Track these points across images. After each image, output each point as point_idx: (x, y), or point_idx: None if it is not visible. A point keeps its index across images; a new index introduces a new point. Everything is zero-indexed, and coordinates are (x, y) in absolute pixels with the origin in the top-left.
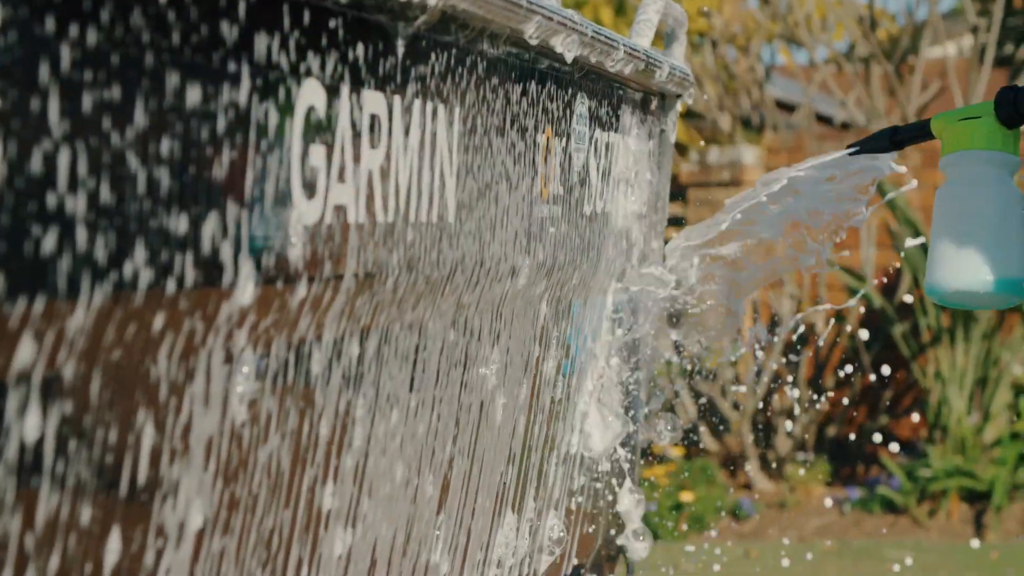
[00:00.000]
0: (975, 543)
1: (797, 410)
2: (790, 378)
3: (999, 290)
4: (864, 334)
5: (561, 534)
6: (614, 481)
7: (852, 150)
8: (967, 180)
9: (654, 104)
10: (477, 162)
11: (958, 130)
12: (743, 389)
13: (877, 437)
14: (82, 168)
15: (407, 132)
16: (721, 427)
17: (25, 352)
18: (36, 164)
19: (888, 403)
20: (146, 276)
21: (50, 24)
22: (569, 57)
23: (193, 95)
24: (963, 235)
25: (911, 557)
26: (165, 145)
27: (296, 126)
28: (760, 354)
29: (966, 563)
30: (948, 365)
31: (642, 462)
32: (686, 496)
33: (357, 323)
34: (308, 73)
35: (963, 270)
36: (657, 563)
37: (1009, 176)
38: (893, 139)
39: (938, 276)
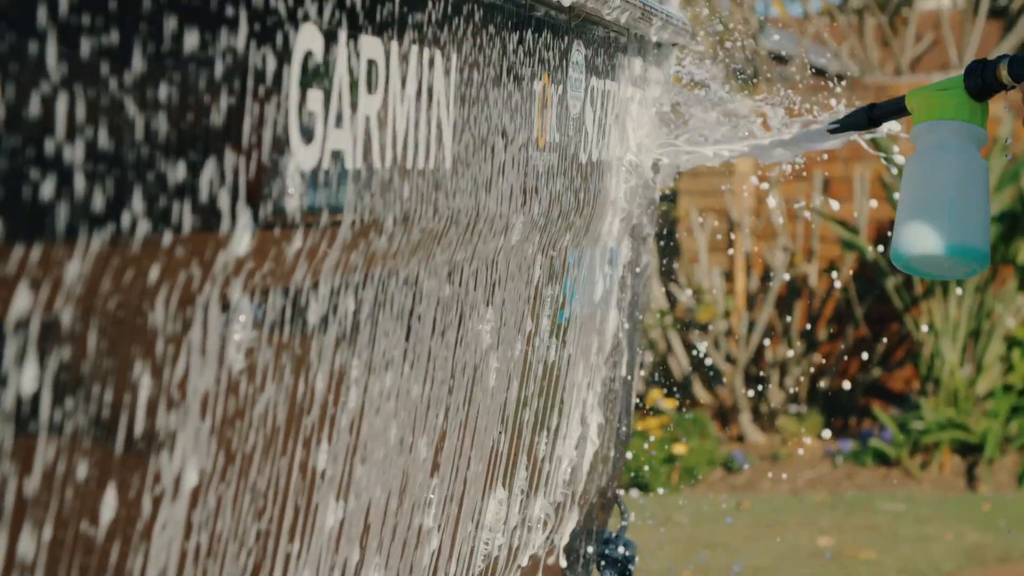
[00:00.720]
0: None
1: (790, 362)
2: (783, 330)
3: (957, 256)
4: (857, 287)
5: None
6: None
7: (833, 126)
8: (934, 149)
9: (651, 53)
10: (474, 109)
11: (928, 101)
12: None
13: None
14: (77, 114)
15: (404, 79)
16: (714, 379)
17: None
18: (32, 109)
19: (881, 356)
20: (142, 223)
21: None
22: (567, 2)
23: (190, 41)
24: (927, 202)
25: (903, 509)
26: (162, 91)
27: (294, 72)
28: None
29: (958, 515)
30: (941, 317)
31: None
32: (678, 448)
33: (353, 273)
34: (306, 18)
35: (925, 236)
36: (649, 515)
37: (975, 148)
38: (871, 115)
39: (902, 241)
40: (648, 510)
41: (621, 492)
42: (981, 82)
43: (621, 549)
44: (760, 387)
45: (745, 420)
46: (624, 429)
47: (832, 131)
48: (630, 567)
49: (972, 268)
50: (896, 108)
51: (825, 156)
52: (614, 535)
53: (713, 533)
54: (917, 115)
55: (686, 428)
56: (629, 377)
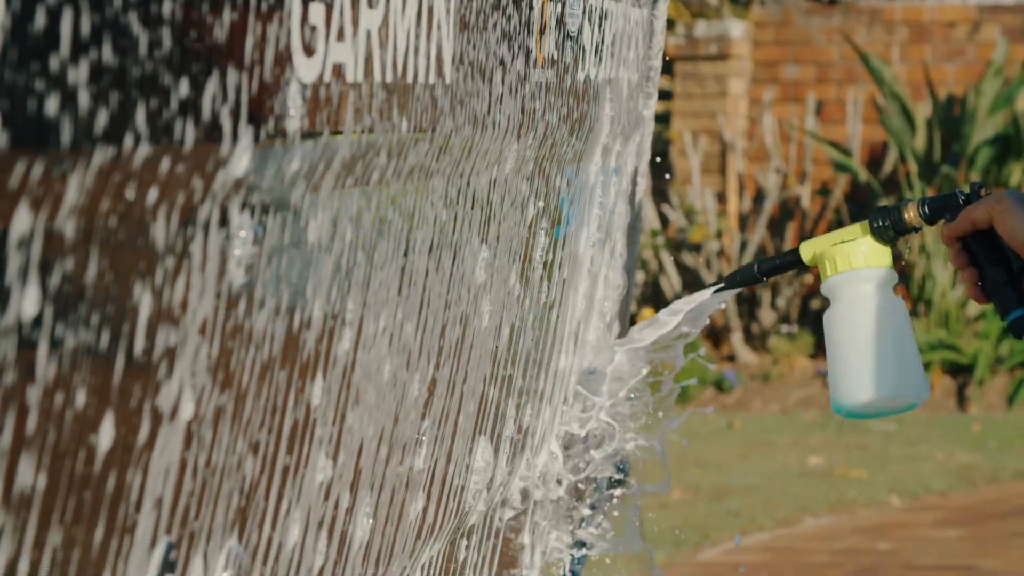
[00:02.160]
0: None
1: (781, 283)
2: (775, 251)
3: (898, 397)
4: (849, 208)
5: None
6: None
7: (718, 287)
8: (856, 299)
9: None
10: (473, 24)
11: (837, 253)
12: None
13: None
14: (83, 27)
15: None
16: None
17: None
18: (35, 22)
19: None
20: (143, 137)
21: None
22: None
23: None
24: (857, 354)
25: (894, 429)
26: (166, 6)
27: None
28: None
29: (948, 435)
30: (933, 239)
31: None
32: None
33: (354, 188)
34: None
35: (863, 386)
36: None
37: (891, 289)
38: (760, 270)
39: (841, 395)
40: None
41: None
42: (890, 228)
43: (616, 464)
44: (751, 307)
45: (736, 340)
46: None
47: (718, 291)
48: (624, 480)
49: (914, 403)
50: (789, 261)
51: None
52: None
53: (704, 452)
54: (825, 268)
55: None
56: (626, 296)
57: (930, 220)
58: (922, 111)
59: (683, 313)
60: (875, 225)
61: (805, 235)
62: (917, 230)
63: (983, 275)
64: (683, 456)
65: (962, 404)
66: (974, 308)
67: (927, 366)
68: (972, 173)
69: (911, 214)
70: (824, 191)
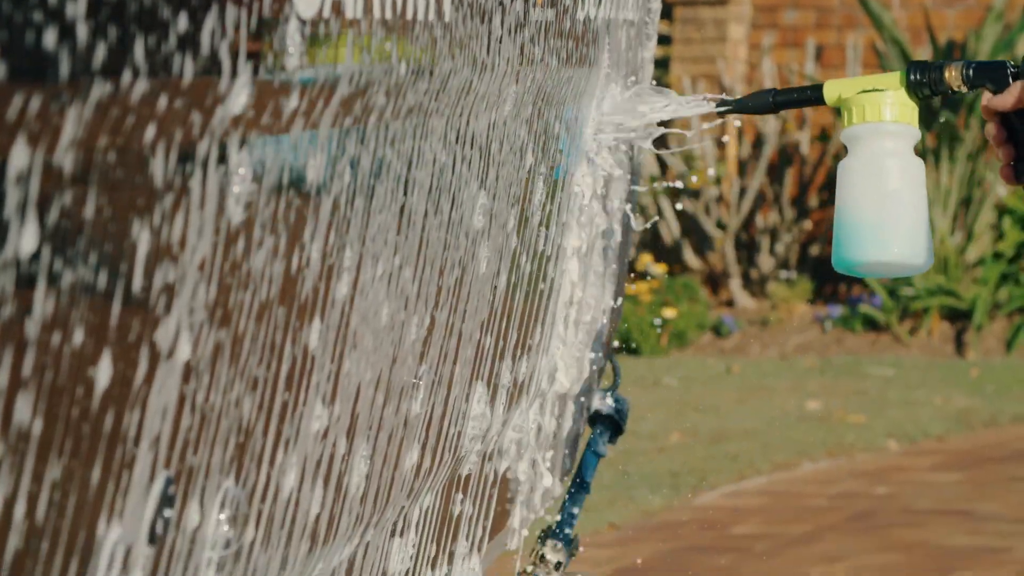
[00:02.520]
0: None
1: (780, 229)
2: (774, 197)
3: (906, 260)
4: None
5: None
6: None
7: (725, 108)
8: (877, 153)
9: None
10: None
11: (865, 101)
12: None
13: None
14: None
15: None
16: (704, 245)
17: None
18: None
19: None
20: (141, 73)
21: None
22: None
23: None
24: (872, 209)
25: (892, 374)
26: None
27: None
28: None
29: (946, 380)
30: (932, 185)
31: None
32: (668, 312)
33: (354, 124)
34: None
35: (873, 243)
36: (639, 378)
37: (912, 148)
38: (776, 100)
39: (848, 248)
40: (637, 373)
41: (614, 351)
42: (927, 85)
43: (613, 406)
44: (750, 253)
45: (735, 285)
46: (618, 288)
47: (725, 112)
48: (622, 424)
49: (920, 268)
50: (808, 97)
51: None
52: (606, 393)
53: (702, 396)
54: (852, 115)
55: (676, 292)
56: (624, 239)
57: (972, 84)
58: (922, 55)
59: (676, 105)
60: (912, 79)
61: (804, 181)
62: (954, 93)
63: (1020, 154)
64: (682, 400)
65: (960, 349)
66: (973, 254)
67: (925, 311)
68: (972, 119)
69: (952, 74)
70: (823, 137)
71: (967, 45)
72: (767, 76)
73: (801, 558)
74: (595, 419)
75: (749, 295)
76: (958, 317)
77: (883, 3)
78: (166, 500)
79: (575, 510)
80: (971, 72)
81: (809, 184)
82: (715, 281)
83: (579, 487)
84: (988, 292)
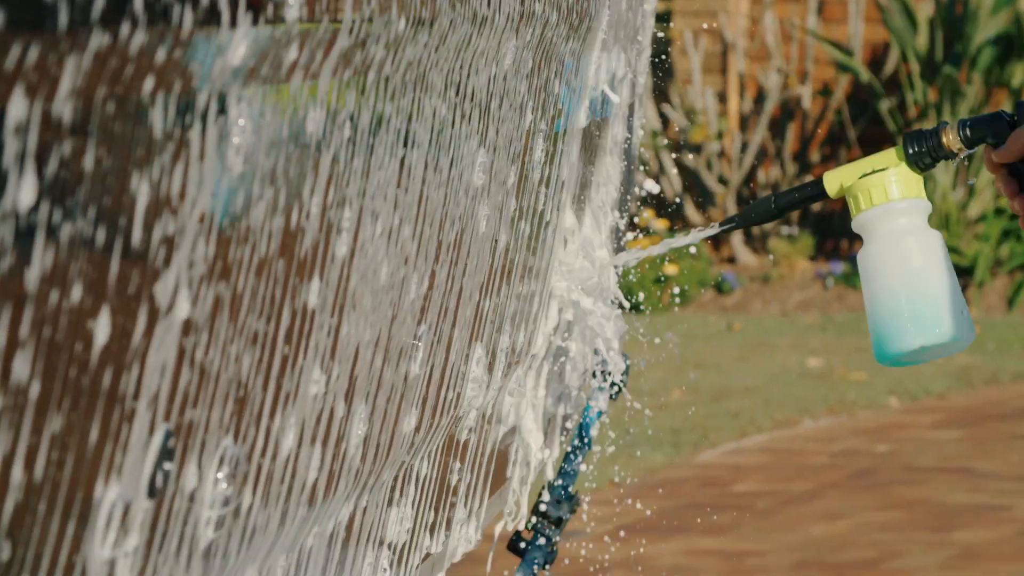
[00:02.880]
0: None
1: (782, 184)
2: (775, 152)
3: (947, 341)
4: (850, 109)
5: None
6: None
7: (729, 225)
8: (892, 236)
9: None
10: None
11: (869, 185)
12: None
13: None
14: None
15: None
16: (706, 201)
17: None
18: None
19: None
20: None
21: None
22: None
23: None
24: (900, 295)
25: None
26: None
27: None
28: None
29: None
30: None
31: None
32: (670, 269)
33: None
34: None
35: (908, 331)
36: (640, 336)
37: (926, 222)
38: (778, 205)
39: (885, 342)
40: (638, 330)
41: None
42: (927, 154)
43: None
44: None
45: (737, 242)
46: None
47: (731, 229)
48: (623, 377)
49: (965, 342)
50: (809, 195)
51: None
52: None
53: (704, 354)
54: (856, 202)
55: (677, 249)
56: (624, 192)
57: (971, 144)
58: (924, 10)
59: (700, 236)
60: (909, 151)
61: (806, 136)
62: (954, 156)
63: None
64: (683, 357)
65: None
66: (974, 210)
67: None
68: (974, 74)
69: (950, 138)
70: (825, 91)
71: (969, 0)
72: (769, 31)
73: (802, 515)
74: (596, 376)
75: (751, 251)
76: (960, 274)
77: None
78: (166, 453)
79: (575, 467)
80: (968, 131)
81: (811, 139)
82: (716, 237)
83: (579, 444)
84: (990, 248)
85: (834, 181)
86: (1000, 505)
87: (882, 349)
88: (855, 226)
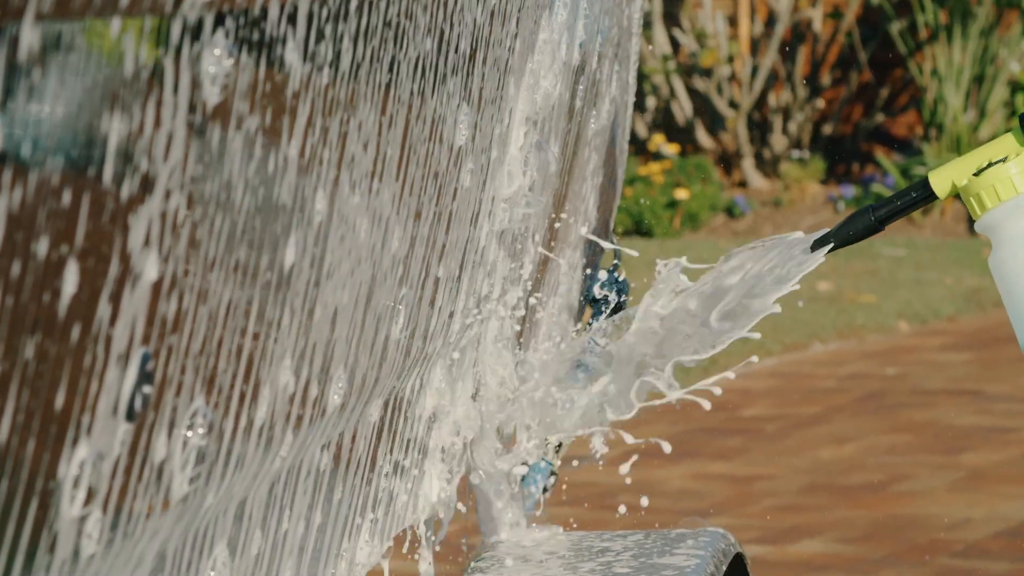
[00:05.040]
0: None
1: (793, 108)
2: (786, 75)
3: None
4: (860, 31)
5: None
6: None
7: (828, 247)
8: None
9: None
10: None
11: (992, 181)
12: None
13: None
14: None
15: None
16: (717, 125)
17: None
18: None
19: (884, 101)
20: None
21: None
22: None
23: None
24: None
25: (904, 254)
26: None
27: None
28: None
29: (958, 260)
30: (945, 62)
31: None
32: (681, 193)
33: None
34: None
35: None
36: (651, 261)
37: None
38: (878, 217)
39: None
40: (650, 255)
41: (613, 231)
42: None
43: (613, 288)
44: (763, 133)
45: (747, 165)
46: (618, 168)
47: (830, 251)
48: (623, 300)
49: None
50: (913, 200)
51: None
52: (606, 273)
53: None
54: (978, 202)
55: (688, 173)
56: (623, 116)
57: None
58: None
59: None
60: None
61: (817, 59)
62: None
63: None
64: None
65: (972, 229)
66: (985, 132)
67: None
68: None
69: None
70: (836, 14)
71: None
72: None
73: (810, 439)
74: (595, 300)
75: (762, 175)
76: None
77: None
78: (145, 377)
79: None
80: None
81: (822, 62)
82: (728, 161)
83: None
84: None
85: (943, 180)
86: (1008, 427)
87: None
88: (980, 228)
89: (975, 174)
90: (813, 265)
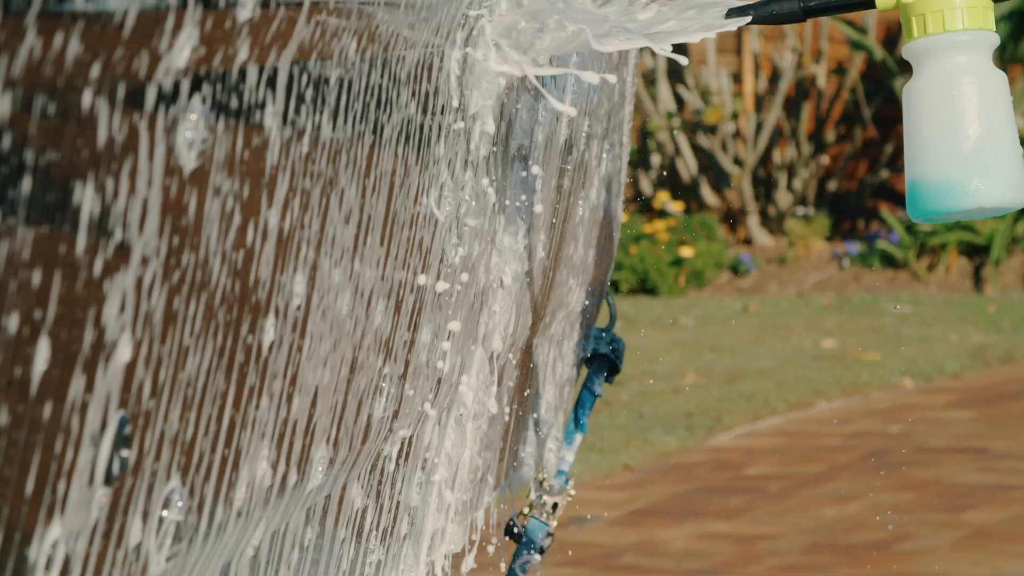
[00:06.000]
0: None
1: (797, 164)
2: (791, 132)
3: (1005, 202)
4: (865, 87)
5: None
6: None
7: (739, 18)
8: (951, 73)
9: None
10: None
11: (927, 7)
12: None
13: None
14: None
15: None
16: (721, 182)
17: None
18: None
19: (889, 157)
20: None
21: None
22: None
23: None
24: (957, 144)
25: (909, 311)
26: None
27: None
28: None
29: (963, 316)
30: None
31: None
32: (686, 251)
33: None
34: None
35: (966, 187)
36: (656, 319)
37: (990, 58)
38: (804, 5)
39: (930, 197)
40: (655, 314)
41: (609, 290)
42: None
43: (609, 345)
44: (768, 189)
45: (753, 223)
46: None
47: (747, 23)
48: (618, 363)
49: (1014, 208)
50: (849, 1)
51: None
52: (602, 331)
53: (719, 336)
54: (910, 25)
55: (693, 231)
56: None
57: None
58: None
59: (676, 21)
60: None
61: (821, 115)
62: None
63: None
64: (697, 340)
65: (978, 285)
66: None
67: (943, 247)
68: None
69: None
70: (840, 70)
71: None
72: None
73: (814, 498)
74: (591, 359)
75: (767, 232)
76: (976, 252)
77: None
78: (122, 440)
79: (569, 449)
80: None
81: (826, 119)
82: (733, 218)
83: (574, 426)
84: (1006, 226)
85: None
86: (1013, 485)
87: (924, 204)
88: (906, 52)
89: None
90: (720, 30)
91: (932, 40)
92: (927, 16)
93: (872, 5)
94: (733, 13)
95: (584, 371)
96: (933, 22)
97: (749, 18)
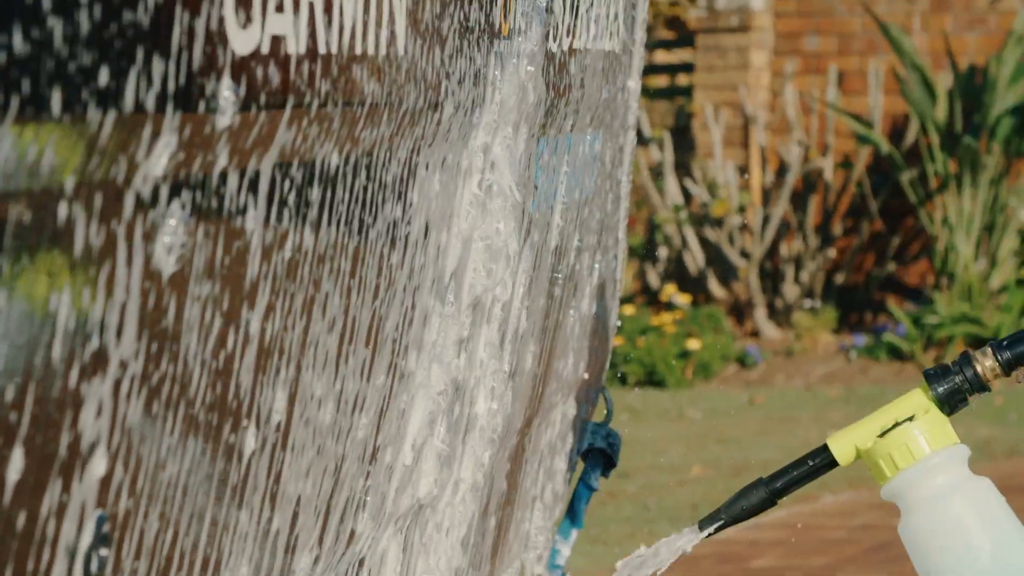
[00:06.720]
0: None
1: (804, 257)
2: (798, 224)
3: None
4: (871, 181)
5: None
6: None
7: (714, 526)
8: (934, 500)
9: None
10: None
11: (892, 446)
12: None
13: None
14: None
15: None
16: (729, 275)
17: None
18: None
19: (895, 250)
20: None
21: None
22: None
23: None
24: (983, 553)
25: None
26: None
27: None
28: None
29: (969, 409)
30: (955, 211)
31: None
32: (693, 344)
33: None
34: None
35: None
36: (663, 411)
37: (967, 469)
38: (771, 489)
39: None
40: (661, 406)
41: (605, 384)
42: (959, 392)
43: (605, 440)
44: (775, 282)
45: (760, 315)
46: (610, 320)
47: (714, 532)
48: (614, 457)
49: None
50: (811, 469)
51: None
52: (598, 426)
53: (725, 428)
54: (879, 468)
55: (700, 323)
56: (615, 267)
57: (1011, 368)
58: (943, 82)
59: (667, 555)
60: (939, 391)
61: (828, 208)
62: (989, 389)
63: None
64: (704, 432)
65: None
66: (997, 281)
67: (950, 340)
68: (994, 144)
69: (986, 366)
70: (846, 163)
71: (988, 70)
72: (789, 104)
73: None
74: (588, 453)
75: (774, 325)
76: (983, 345)
77: (904, 28)
78: (100, 539)
79: (565, 543)
80: (1007, 355)
81: (833, 212)
82: (740, 311)
83: (570, 520)
84: (1012, 319)
85: (845, 445)
86: None
87: None
88: (885, 494)
89: (880, 435)
90: (696, 541)
91: (907, 474)
92: (892, 453)
93: (835, 464)
94: (706, 522)
95: (580, 464)
96: (900, 456)
97: (721, 521)
